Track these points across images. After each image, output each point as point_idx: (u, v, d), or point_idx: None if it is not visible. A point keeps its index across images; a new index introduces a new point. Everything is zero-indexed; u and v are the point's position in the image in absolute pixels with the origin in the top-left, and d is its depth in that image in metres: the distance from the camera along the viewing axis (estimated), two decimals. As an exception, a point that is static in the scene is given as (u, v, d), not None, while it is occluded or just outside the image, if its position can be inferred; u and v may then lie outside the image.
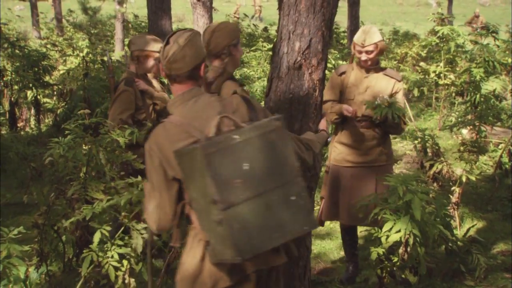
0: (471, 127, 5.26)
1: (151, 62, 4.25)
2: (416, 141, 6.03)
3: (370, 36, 3.93)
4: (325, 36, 2.77)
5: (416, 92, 8.46)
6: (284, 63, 2.77)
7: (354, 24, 11.67)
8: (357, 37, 3.99)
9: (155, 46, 4.20)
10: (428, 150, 5.85)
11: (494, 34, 7.21)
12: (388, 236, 3.33)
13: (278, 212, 2.08)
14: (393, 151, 7.51)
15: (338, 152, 4.11)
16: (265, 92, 2.90)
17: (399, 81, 4.10)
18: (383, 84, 4.04)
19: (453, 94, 8.31)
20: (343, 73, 4.08)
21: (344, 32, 14.61)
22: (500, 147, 6.04)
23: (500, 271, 4.27)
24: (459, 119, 5.84)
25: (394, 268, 3.42)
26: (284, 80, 2.79)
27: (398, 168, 6.69)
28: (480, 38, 7.55)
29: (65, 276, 4.09)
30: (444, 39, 6.98)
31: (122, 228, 3.73)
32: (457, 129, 6.06)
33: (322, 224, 4.36)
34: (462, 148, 5.32)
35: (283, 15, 2.78)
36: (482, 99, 5.59)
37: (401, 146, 7.69)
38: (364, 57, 3.97)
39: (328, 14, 2.74)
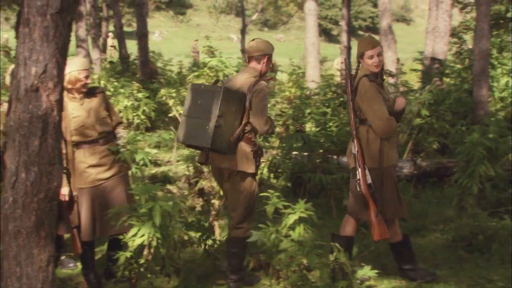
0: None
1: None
2: (187, 162, 6.63)
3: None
4: (60, 62, 3.13)
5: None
6: (22, 86, 3.06)
7: (144, 55, 12.17)
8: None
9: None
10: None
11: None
12: (134, 241, 3.76)
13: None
14: (175, 173, 8.12)
15: (88, 175, 4.42)
16: (6, 113, 3.16)
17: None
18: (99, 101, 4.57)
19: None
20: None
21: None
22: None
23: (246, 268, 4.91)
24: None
25: (141, 269, 3.84)
26: (22, 101, 3.07)
27: (175, 188, 7.20)
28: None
29: None
30: (214, 70, 7.74)
31: None
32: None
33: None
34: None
35: (19, 43, 3.08)
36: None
37: (182, 168, 8.24)
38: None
39: (61, 43, 3.10)
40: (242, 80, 4.44)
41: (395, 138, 4.55)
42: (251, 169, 4.38)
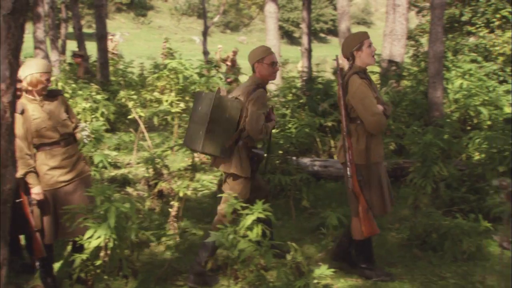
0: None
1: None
2: (147, 164, 6.62)
3: (22, 69, 4.25)
4: (12, 64, 3.09)
5: (156, 121, 9.14)
6: (-26, 88, 3.02)
7: (103, 57, 12.06)
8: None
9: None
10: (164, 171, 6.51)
11: (217, 68, 8.24)
12: (90, 242, 3.74)
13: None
14: (135, 175, 8.07)
15: (49, 177, 4.37)
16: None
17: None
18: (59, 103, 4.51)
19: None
20: (23, 111, 4.25)
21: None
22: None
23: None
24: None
25: (98, 271, 3.82)
26: (-26, 103, 3.03)
27: (134, 191, 7.16)
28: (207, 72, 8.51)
29: None
30: (174, 71, 7.75)
31: None
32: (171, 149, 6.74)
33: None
34: (182, 168, 5.99)
35: (-29, 44, 3.04)
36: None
37: (142, 170, 8.19)
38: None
39: (13, 45, 3.07)
40: (244, 88, 4.60)
41: (381, 135, 4.63)
42: (244, 173, 4.51)
